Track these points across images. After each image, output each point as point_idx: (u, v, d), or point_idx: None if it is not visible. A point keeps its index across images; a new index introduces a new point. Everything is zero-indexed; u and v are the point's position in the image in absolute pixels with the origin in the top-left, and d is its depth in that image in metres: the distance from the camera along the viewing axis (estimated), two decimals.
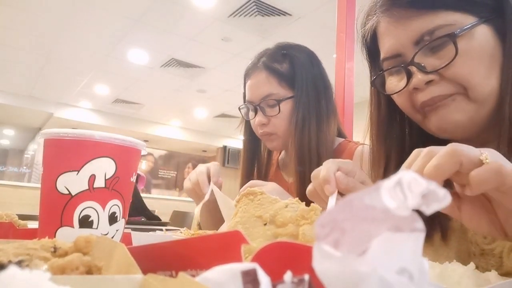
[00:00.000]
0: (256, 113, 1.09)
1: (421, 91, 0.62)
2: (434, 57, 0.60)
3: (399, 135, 0.72)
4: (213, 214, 1.13)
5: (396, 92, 0.65)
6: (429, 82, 0.61)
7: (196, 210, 0.93)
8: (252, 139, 1.20)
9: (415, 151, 0.46)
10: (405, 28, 0.62)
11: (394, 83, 0.67)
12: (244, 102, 1.15)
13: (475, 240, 0.64)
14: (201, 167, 1.06)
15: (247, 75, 1.14)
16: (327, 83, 1.13)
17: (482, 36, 0.59)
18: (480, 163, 0.40)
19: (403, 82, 0.64)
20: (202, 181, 1.02)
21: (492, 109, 0.60)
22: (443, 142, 0.53)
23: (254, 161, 1.21)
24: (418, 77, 0.61)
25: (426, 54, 0.61)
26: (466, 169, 0.40)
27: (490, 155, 0.40)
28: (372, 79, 0.71)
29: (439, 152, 0.42)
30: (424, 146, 0.46)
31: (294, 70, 1.07)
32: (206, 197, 0.97)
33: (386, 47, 0.66)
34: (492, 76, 0.59)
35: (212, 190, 0.98)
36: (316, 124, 1.05)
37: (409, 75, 0.62)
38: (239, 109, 1.16)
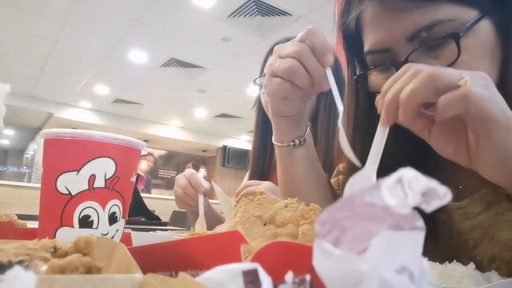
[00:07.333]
0: None
1: None
2: (431, 56, 0.54)
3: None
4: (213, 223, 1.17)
5: None
6: None
7: (197, 225, 0.95)
8: (264, 121, 1.23)
9: (404, 66, 0.43)
10: (400, 21, 0.55)
11: (380, 80, 0.60)
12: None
13: (462, 241, 0.61)
14: (181, 179, 1.07)
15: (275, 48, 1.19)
16: (343, 79, 1.20)
17: (484, 33, 0.53)
18: (457, 88, 0.39)
19: None
20: (192, 194, 1.04)
21: None
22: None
23: (266, 143, 1.24)
24: None
25: (422, 52, 0.54)
26: (442, 94, 0.39)
27: (470, 79, 0.38)
28: (357, 75, 0.66)
29: (418, 76, 0.40)
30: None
31: None
32: (201, 210, 0.98)
33: (373, 39, 0.59)
34: (491, 74, 0.54)
35: (204, 201, 1.02)
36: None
37: None
38: (254, 82, 1.19)
